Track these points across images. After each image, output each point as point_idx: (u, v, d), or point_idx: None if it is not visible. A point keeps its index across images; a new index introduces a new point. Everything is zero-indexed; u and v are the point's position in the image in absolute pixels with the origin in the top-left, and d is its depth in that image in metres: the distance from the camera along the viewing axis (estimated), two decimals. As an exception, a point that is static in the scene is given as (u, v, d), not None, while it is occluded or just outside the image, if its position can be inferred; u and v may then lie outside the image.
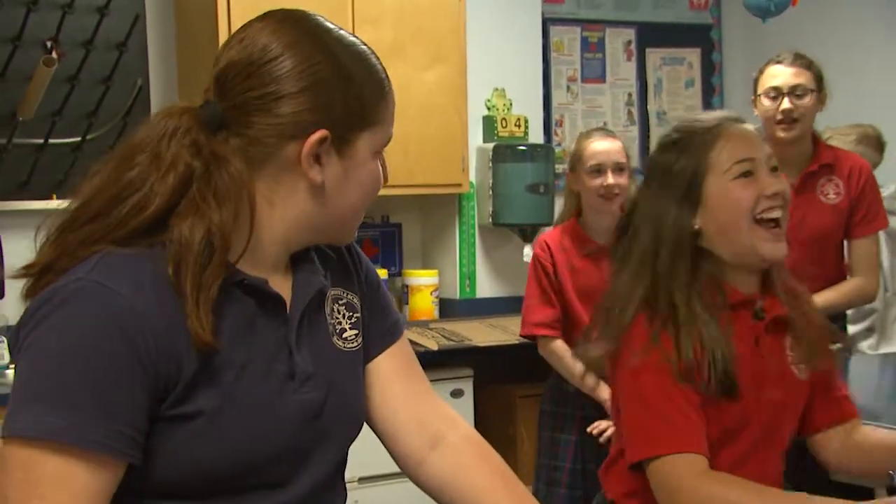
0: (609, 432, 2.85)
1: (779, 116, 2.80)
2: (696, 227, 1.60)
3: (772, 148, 2.78)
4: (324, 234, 1.19)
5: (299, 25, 1.13)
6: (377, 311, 1.31)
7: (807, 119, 2.83)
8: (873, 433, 1.71)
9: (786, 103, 2.79)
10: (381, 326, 1.31)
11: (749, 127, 1.66)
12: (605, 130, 3.11)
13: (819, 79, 2.86)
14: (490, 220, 4.00)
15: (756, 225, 1.57)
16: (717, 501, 1.46)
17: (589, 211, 2.96)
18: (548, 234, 3.14)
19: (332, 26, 1.16)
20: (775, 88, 2.81)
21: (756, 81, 2.90)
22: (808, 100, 2.81)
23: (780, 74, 2.83)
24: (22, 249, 1.12)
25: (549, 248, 2.97)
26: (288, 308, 1.16)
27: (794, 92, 2.80)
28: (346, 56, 1.14)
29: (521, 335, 3.10)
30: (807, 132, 2.86)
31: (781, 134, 2.81)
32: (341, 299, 1.26)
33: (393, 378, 1.30)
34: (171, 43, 3.76)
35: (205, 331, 1.05)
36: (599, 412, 2.90)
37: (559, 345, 2.95)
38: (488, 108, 4.10)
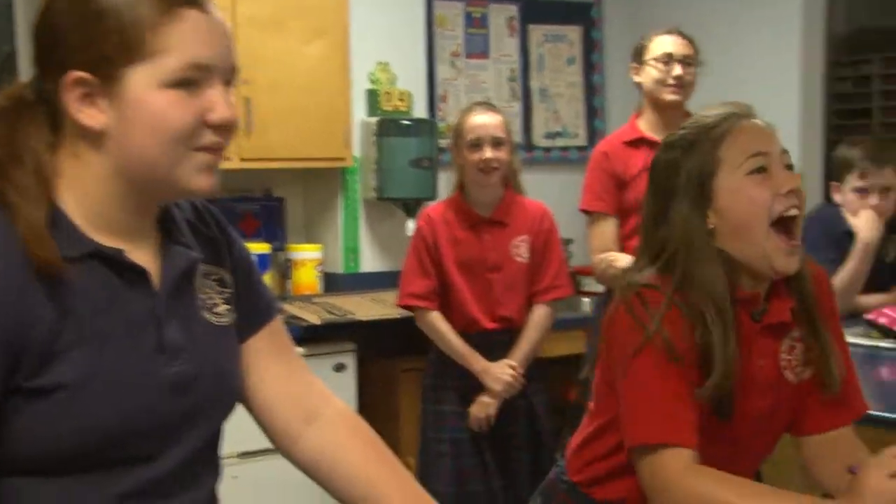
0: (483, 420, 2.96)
1: (671, 81, 2.95)
2: (710, 226, 1.52)
3: (655, 114, 2.89)
4: (151, 186, 1.12)
5: None
6: (251, 290, 1.29)
7: (691, 87, 3.01)
8: (846, 443, 1.59)
9: (678, 69, 2.95)
10: (254, 306, 1.29)
11: (760, 121, 1.55)
12: (486, 105, 3.15)
13: (697, 53, 3.04)
14: (374, 194, 4.00)
15: (773, 232, 1.49)
16: (705, 498, 1.39)
17: (470, 185, 3.01)
18: (432, 206, 3.18)
19: None
20: (668, 55, 2.97)
21: (643, 49, 3.02)
22: (693, 69, 2.99)
23: (672, 43, 2.99)
24: None
25: (432, 220, 3.02)
26: (157, 280, 1.14)
27: (685, 60, 2.97)
28: None
29: (397, 305, 3.14)
30: (688, 100, 3.01)
31: (671, 97, 2.96)
32: (213, 275, 1.23)
33: (268, 357, 1.29)
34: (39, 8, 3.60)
35: (45, 249, 1.03)
36: (479, 383, 2.97)
37: (435, 316, 3.01)
38: (372, 83, 4.08)
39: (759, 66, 4.37)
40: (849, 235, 2.97)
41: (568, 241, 3.97)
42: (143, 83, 1.06)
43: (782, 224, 1.48)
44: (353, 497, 1.27)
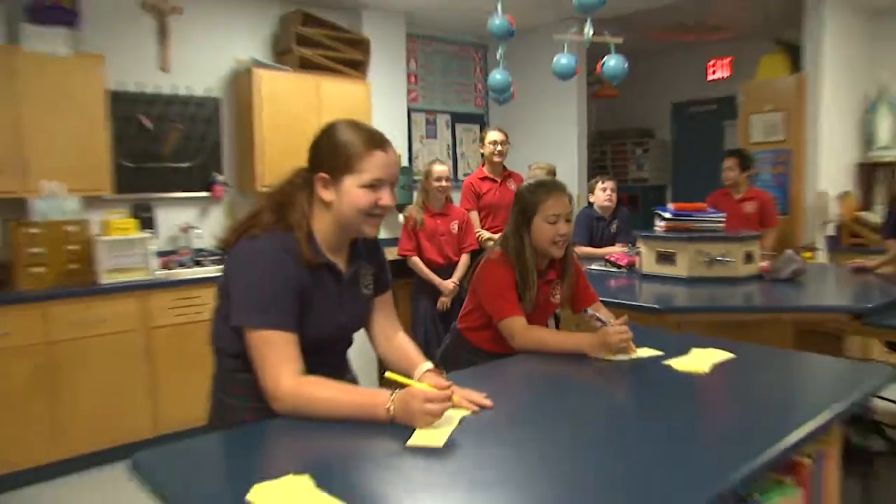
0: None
1: (496, 153, 5.20)
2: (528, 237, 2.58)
3: (490, 165, 5.41)
4: (349, 230, 1.85)
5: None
6: (380, 275, 2.12)
7: (505, 155, 5.20)
8: (598, 309, 2.62)
9: (500, 147, 5.19)
10: (380, 284, 2.11)
11: (564, 194, 2.53)
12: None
13: (507, 138, 5.23)
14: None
15: (552, 244, 2.55)
16: (540, 341, 2.31)
17: (432, 198, 4.80)
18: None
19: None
20: (493, 142, 5.20)
21: (483, 137, 5.22)
22: (506, 146, 5.23)
23: (496, 135, 5.23)
24: None
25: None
26: (343, 273, 1.96)
27: (502, 142, 5.20)
28: (341, 130, 1.81)
29: (399, 254, 4.76)
30: (504, 160, 5.22)
31: (496, 159, 5.14)
32: (368, 271, 2.05)
33: (379, 310, 2.13)
34: None
35: (309, 254, 1.77)
36: (438, 290, 4.81)
37: (415, 260, 4.83)
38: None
39: (553, 137, 6.50)
40: (596, 220, 5.10)
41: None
42: (351, 183, 1.74)
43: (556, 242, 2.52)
44: (408, 364, 2.08)
